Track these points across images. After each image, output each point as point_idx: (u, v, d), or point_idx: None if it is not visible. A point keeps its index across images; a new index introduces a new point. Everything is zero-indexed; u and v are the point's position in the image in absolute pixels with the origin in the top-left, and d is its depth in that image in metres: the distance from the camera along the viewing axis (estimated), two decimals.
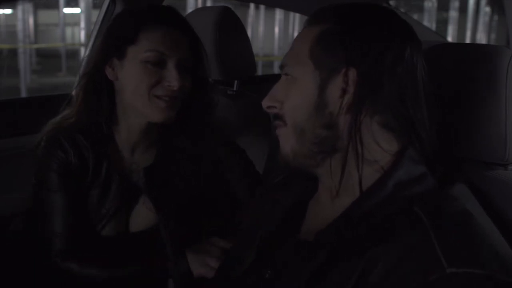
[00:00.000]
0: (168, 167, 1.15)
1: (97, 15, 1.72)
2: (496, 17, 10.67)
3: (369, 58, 0.69)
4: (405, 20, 0.74)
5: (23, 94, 8.15)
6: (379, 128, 0.71)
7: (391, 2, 2.65)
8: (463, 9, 10.28)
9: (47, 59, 10.21)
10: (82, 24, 9.66)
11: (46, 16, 11.18)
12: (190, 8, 9.37)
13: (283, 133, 0.76)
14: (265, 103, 0.78)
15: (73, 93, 1.17)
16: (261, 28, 10.73)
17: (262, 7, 10.36)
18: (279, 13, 10.43)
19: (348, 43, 0.70)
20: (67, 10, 10.38)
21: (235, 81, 1.56)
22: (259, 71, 9.12)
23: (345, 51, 0.70)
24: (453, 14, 10.23)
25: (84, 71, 1.14)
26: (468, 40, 9.82)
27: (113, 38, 1.08)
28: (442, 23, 10.36)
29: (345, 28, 0.71)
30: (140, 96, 1.05)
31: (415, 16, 9.66)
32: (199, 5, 9.77)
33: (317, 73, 0.72)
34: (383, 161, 0.71)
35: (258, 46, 10.17)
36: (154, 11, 1.09)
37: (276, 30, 10.55)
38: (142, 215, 1.15)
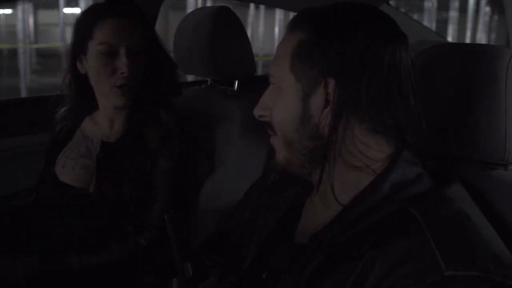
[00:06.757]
0: (129, 145, 1.23)
1: None
2: (496, 17, 10.67)
3: (345, 67, 0.68)
4: (385, 14, 0.72)
5: (23, 94, 8.14)
6: (369, 134, 0.70)
7: (391, 2, 2.65)
8: (463, 9, 10.28)
9: (47, 59, 10.20)
10: None
11: (46, 16, 11.17)
12: (190, 8, 9.37)
13: (275, 143, 0.78)
14: (257, 112, 0.79)
15: None
16: (261, 28, 10.72)
17: (262, 7, 10.35)
18: (279, 13, 10.42)
19: (324, 55, 0.69)
20: (67, 10, 10.37)
21: (235, 81, 1.56)
22: (259, 71, 9.10)
23: (322, 62, 0.69)
24: (453, 14, 10.23)
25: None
26: (468, 40, 9.81)
27: (77, 35, 1.20)
28: (442, 23, 10.36)
29: (321, 38, 0.69)
30: (102, 86, 1.19)
31: (415, 16, 9.66)
32: (199, 5, 9.77)
33: (299, 86, 0.72)
34: (375, 165, 0.71)
35: (258, 46, 10.16)
36: (106, 5, 1.19)
37: (276, 30, 10.54)
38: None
